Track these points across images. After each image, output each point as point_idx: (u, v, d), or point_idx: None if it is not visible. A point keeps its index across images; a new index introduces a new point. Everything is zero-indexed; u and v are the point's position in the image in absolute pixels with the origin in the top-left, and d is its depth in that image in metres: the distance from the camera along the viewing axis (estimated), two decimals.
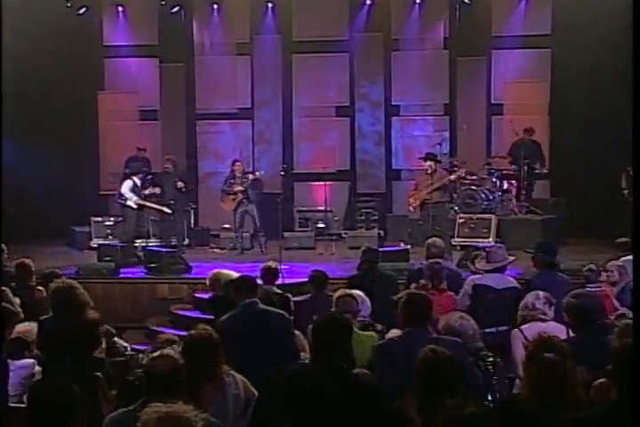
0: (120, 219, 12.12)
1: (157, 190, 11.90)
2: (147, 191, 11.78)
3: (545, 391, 3.51)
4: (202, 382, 3.80)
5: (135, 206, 11.52)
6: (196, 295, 9.16)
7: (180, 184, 12.04)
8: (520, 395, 3.72)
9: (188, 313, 8.96)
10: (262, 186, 12.46)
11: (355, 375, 3.78)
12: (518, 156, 12.45)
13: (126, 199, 11.50)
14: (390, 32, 14.37)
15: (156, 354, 3.60)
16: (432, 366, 3.68)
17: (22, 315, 6.47)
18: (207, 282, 6.90)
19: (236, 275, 6.34)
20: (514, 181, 12.87)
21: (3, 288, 6.32)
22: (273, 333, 5.18)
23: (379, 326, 5.83)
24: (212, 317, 5.91)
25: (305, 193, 14.40)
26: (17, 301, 6.75)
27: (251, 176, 12.03)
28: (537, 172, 12.57)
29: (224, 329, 4.98)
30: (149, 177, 12.91)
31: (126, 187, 11.56)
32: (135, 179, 11.66)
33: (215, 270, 7.05)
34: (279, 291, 6.95)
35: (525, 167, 12.37)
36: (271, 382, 3.84)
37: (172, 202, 12.07)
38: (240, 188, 11.89)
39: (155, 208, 11.86)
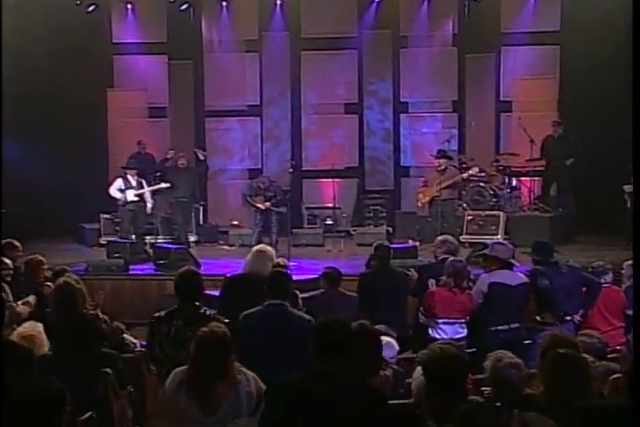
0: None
1: (166, 185, 11.89)
2: (155, 187, 11.75)
3: (560, 387, 3.50)
4: (214, 380, 3.81)
5: (137, 199, 11.45)
6: (205, 292, 9.17)
7: (201, 154, 12.06)
8: (535, 391, 3.71)
9: None
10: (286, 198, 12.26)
11: (358, 379, 3.78)
12: (548, 151, 12.39)
13: (119, 199, 11.44)
14: (399, 29, 14.34)
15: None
16: (439, 363, 3.67)
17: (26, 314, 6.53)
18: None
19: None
20: (525, 178, 12.87)
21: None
22: (293, 336, 4.96)
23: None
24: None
25: (313, 190, 14.41)
26: (32, 299, 6.81)
27: (274, 200, 11.81)
28: (567, 164, 12.33)
29: (244, 325, 4.94)
30: (158, 174, 12.95)
31: (114, 187, 11.48)
32: (129, 177, 11.52)
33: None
34: None
35: (555, 163, 12.30)
36: (279, 391, 3.82)
37: (185, 200, 12.07)
38: (261, 206, 11.78)
39: (153, 190, 11.75)
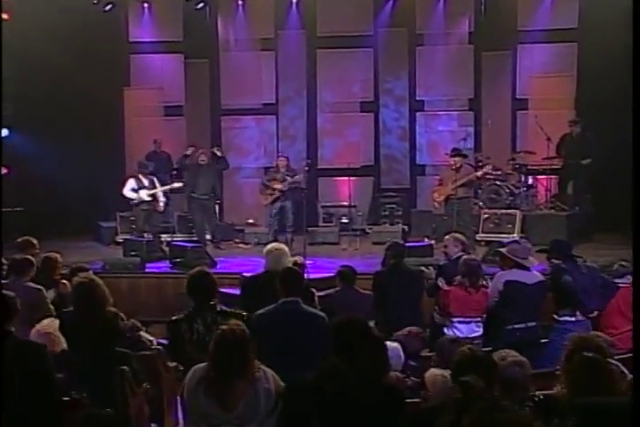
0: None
1: (179, 185, 11.91)
2: (167, 187, 11.75)
3: (585, 389, 3.48)
4: (233, 378, 3.82)
5: (149, 198, 11.43)
6: (222, 290, 9.19)
7: (219, 151, 12.12)
8: (559, 393, 3.70)
9: None
10: (301, 189, 12.30)
11: (376, 376, 3.78)
12: (565, 150, 12.35)
13: (132, 199, 11.44)
14: (415, 27, 14.32)
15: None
16: (468, 365, 3.65)
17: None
18: None
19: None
20: (541, 176, 12.81)
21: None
22: (307, 333, 5.00)
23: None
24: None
25: (329, 188, 14.42)
26: (50, 295, 6.86)
27: (290, 179, 12.01)
28: (583, 163, 12.24)
29: (259, 324, 4.95)
30: (174, 172, 12.98)
31: (127, 188, 11.44)
32: (141, 176, 11.47)
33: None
34: None
35: (571, 162, 12.25)
36: (297, 389, 3.83)
37: (205, 197, 12.09)
38: (279, 186, 11.94)
39: (166, 189, 11.70)
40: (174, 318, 5.19)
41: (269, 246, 6.62)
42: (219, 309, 5.11)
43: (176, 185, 11.84)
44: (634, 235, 3.92)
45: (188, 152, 12.52)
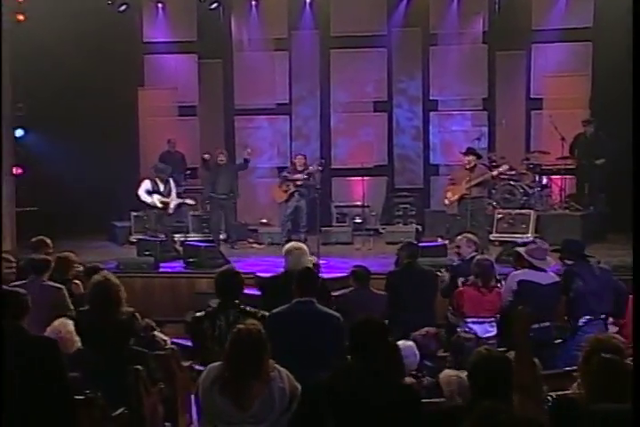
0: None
1: (192, 202, 11.91)
2: (180, 201, 11.61)
3: (603, 391, 3.47)
4: (248, 379, 3.82)
5: (161, 205, 11.32)
6: None
7: (247, 153, 12.14)
8: (576, 394, 3.68)
9: None
10: (315, 188, 12.28)
11: (392, 377, 3.78)
12: (579, 150, 12.30)
13: (145, 201, 11.38)
14: (428, 27, 14.29)
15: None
16: (484, 365, 3.63)
17: None
18: None
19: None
20: (556, 176, 12.75)
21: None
22: (321, 333, 4.99)
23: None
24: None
25: (342, 188, 14.42)
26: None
27: (300, 176, 12.06)
28: (597, 163, 12.18)
29: (273, 323, 4.96)
30: (188, 172, 12.99)
31: (143, 189, 11.31)
32: (157, 180, 11.37)
33: None
34: None
35: (585, 162, 12.19)
36: (312, 388, 3.84)
37: (224, 196, 12.09)
38: (300, 175, 11.96)
39: (179, 203, 11.57)
40: (197, 314, 5.23)
41: (289, 246, 6.60)
42: (241, 308, 5.15)
43: (189, 202, 11.75)
44: (634, 235, 3.90)
45: (206, 156, 12.49)
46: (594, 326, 6.27)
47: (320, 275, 5.59)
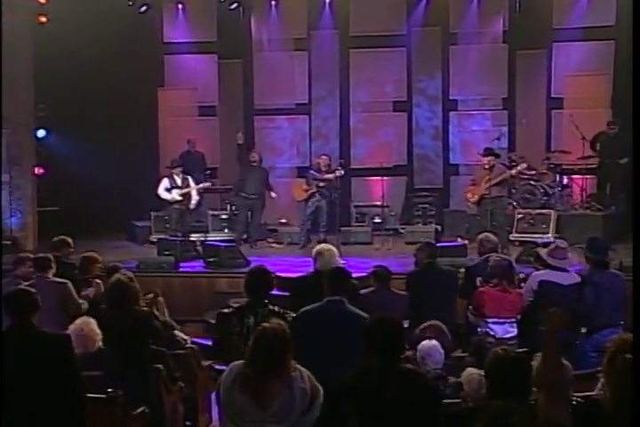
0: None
1: (208, 184, 12.04)
2: (201, 185, 11.85)
3: (628, 391, 3.44)
4: (270, 379, 3.83)
5: (181, 198, 11.55)
6: None
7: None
8: (599, 396, 3.66)
9: None
10: (336, 188, 12.23)
11: (413, 375, 3.77)
12: (602, 149, 12.21)
13: (166, 198, 11.58)
14: (448, 26, 14.25)
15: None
16: (501, 366, 3.61)
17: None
18: None
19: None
20: (576, 176, 12.66)
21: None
22: (350, 333, 4.90)
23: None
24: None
25: (362, 188, 14.40)
26: (90, 292, 6.96)
27: (331, 176, 11.97)
28: (621, 162, 11.92)
29: (301, 321, 4.98)
30: (208, 172, 13.03)
31: (162, 188, 11.62)
32: (174, 176, 11.65)
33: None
34: None
35: (608, 161, 12.10)
36: (334, 388, 3.85)
37: (253, 196, 12.08)
38: (331, 175, 11.90)
39: (197, 188, 11.81)
40: (224, 310, 5.25)
41: (320, 247, 6.61)
42: (270, 308, 5.17)
43: (206, 184, 11.93)
44: (634, 235, 3.87)
45: (239, 136, 12.32)
46: (609, 331, 6.21)
47: (351, 275, 5.56)
